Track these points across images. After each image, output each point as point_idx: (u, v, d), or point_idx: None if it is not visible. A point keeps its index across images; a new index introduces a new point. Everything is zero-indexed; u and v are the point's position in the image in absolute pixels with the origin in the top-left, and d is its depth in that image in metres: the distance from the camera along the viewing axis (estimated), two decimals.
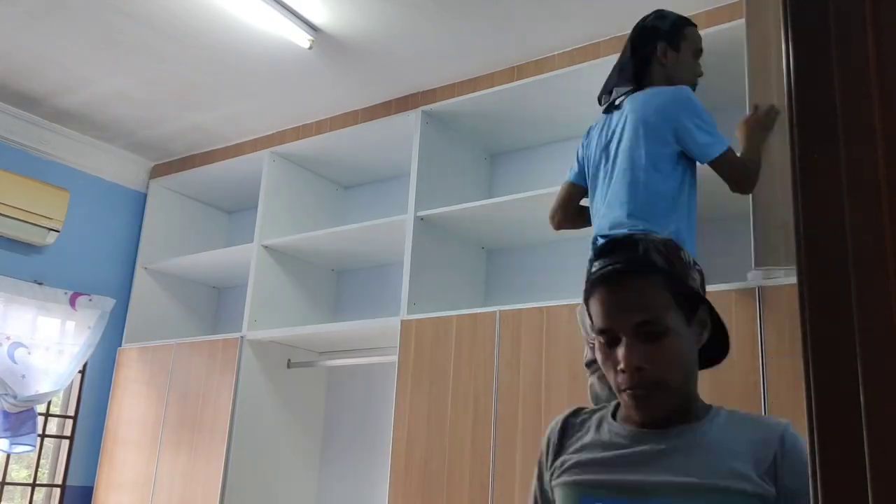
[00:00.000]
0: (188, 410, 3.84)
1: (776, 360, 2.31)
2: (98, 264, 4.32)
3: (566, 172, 2.48)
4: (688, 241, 2.04)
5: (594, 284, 1.20)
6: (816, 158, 0.58)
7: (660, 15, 2.31)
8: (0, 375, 3.76)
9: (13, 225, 3.84)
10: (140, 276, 4.42)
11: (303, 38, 3.17)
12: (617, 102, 2.26)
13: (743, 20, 2.45)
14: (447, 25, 3.08)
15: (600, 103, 2.37)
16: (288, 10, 3.03)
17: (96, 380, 4.24)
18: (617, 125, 2.21)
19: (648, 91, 2.21)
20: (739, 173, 2.12)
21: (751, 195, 2.26)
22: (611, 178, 2.15)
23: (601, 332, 1.18)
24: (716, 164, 2.10)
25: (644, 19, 2.32)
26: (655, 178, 2.06)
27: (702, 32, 2.75)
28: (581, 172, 2.36)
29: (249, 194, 4.38)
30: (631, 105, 2.19)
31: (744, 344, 2.35)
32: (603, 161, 2.22)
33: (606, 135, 2.25)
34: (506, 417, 2.85)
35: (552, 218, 2.41)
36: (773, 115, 2.17)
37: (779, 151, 2.20)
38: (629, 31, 2.40)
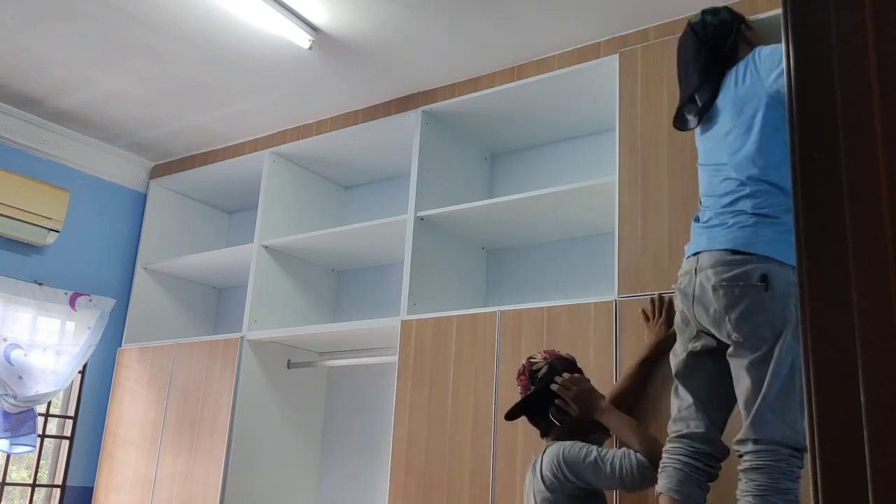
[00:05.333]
0: (188, 411, 3.84)
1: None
2: (98, 264, 4.32)
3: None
4: None
5: None
6: (816, 158, 0.58)
7: (715, 11, 2.29)
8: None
9: (13, 225, 3.84)
10: (140, 276, 4.42)
11: (303, 38, 3.17)
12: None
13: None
14: (447, 25, 3.08)
15: (684, 122, 2.32)
16: (288, 10, 3.03)
17: (96, 380, 4.24)
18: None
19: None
20: None
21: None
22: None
23: None
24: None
25: (704, 26, 2.28)
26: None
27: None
28: None
29: (249, 194, 4.38)
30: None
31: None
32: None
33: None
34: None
35: None
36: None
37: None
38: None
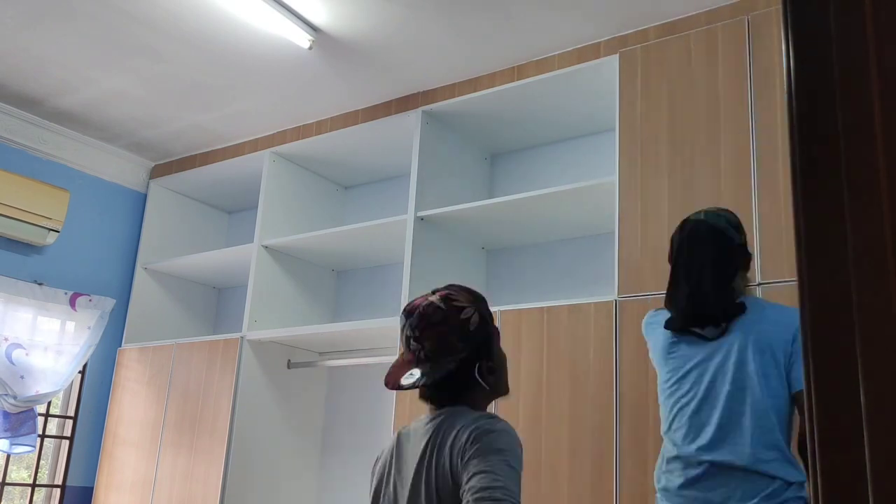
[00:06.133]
0: (188, 411, 3.84)
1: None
2: (98, 264, 4.32)
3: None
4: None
5: None
6: (816, 158, 0.58)
7: (736, 224, 2.11)
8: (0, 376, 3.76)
9: (13, 225, 3.84)
10: (140, 276, 4.42)
11: (303, 38, 3.17)
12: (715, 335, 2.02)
13: None
14: (447, 26, 3.08)
15: (676, 326, 2.07)
16: (288, 10, 3.03)
17: (96, 380, 4.24)
18: (718, 350, 2.00)
19: (763, 311, 2.03)
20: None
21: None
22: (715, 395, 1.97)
23: None
24: (798, 396, 1.94)
25: (728, 232, 2.08)
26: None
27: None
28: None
29: (249, 194, 4.38)
30: (746, 328, 1.99)
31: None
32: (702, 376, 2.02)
33: (699, 358, 2.02)
34: (506, 417, 2.84)
35: None
36: None
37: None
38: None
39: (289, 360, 3.93)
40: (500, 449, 1.46)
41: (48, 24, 3.23)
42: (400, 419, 3.11)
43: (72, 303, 4.07)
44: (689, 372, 2.01)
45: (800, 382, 1.87)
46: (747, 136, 2.62)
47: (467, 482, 1.41)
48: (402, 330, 1.64)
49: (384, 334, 3.45)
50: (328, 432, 3.99)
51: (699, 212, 2.15)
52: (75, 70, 3.60)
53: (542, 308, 2.90)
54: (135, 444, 4.00)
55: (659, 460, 2.06)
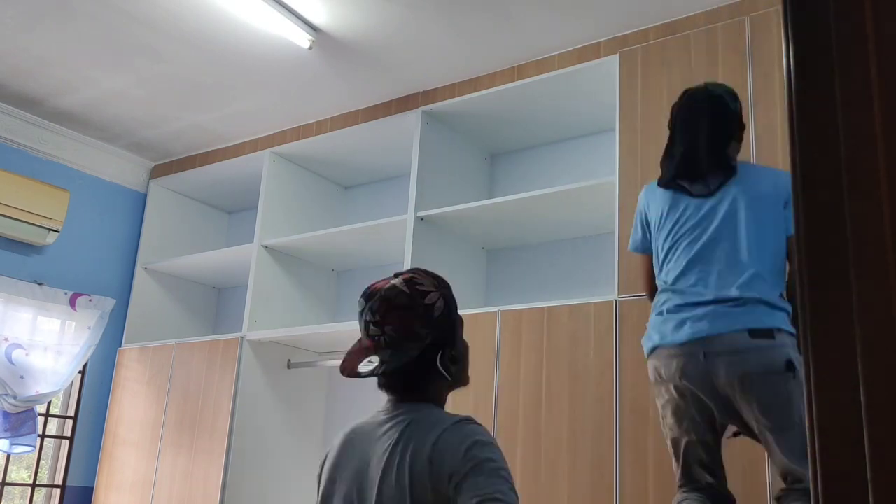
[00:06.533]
0: (188, 411, 3.84)
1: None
2: (98, 264, 4.32)
3: (631, 238, 2.30)
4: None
5: None
6: (816, 158, 0.58)
7: (733, 95, 2.20)
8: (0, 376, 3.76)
9: (13, 225, 3.84)
10: (140, 276, 4.42)
11: (303, 38, 3.17)
12: (712, 189, 2.10)
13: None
14: (447, 25, 3.08)
15: (673, 183, 2.15)
16: (288, 10, 3.03)
17: (96, 380, 4.24)
18: (720, 204, 2.08)
19: (756, 173, 2.13)
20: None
21: None
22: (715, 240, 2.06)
23: None
24: (790, 240, 2.04)
25: (725, 98, 2.18)
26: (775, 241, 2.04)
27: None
28: (644, 237, 2.23)
29: (249, 194, 4.38)
30: (740, 187, 2.08)
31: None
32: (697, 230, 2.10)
33: (697, 212, 2.11)
34: (506, 417, 2.85)
35: (648, 294, 2.26)
36: None
37: None
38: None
39: (289, 360, 3.93)
40: (495, 466, 1.39)
41: (48, 24, 3.23)
42: None
43: (72, 303, 4.07)
44: (687, 229, 2.10)
45: (790, 229, 1.97)
46: (747, 136, 2.62)
47: None
48: (361, 314, 1.51)
49: None
50: (328, 432, 3.99)
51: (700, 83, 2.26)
52: (75, 70, 3.60)
53: (542, 308, 2.90)
54: (135, 444, 4.00)
55: (651, 315, 2.12)
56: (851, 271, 0.54)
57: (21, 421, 3.78)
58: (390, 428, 1.49)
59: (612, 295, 2.76)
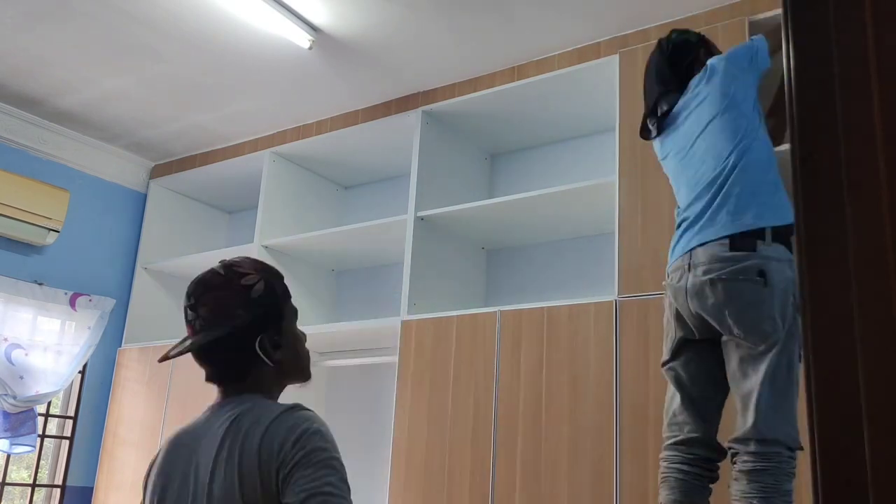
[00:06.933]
0: (188, 411, 3.83)
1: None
2: (98, 264, 4.32)
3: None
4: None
5: None
6: (816, 158, 0.58)
7: (682, 31, 2.37)
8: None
9: (13, 225, 3.84)
10: (140, 276, 4.42)
11: (303, 38, 3.17)
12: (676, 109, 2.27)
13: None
14: (447, 26, 3.08)
15: (648, 132, 2.37)
16: (288, 10, 3.03)
17: (96, 380, 4.24)
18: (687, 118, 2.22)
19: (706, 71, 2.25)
20: None
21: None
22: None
23: None
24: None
25: (668, 41, 2.35)
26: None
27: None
28: None
29: (249, 194, 4.38)
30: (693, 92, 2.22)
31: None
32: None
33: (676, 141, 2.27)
34: (506, 417, 2.85)
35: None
36: None
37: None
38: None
39: None
40: (325, 457, 1.35)
41: (48, 24, 3.23)
42: (400, 418, 3.12)
43: (72, 303, 4.07)
44: (679, 158, 2.23)
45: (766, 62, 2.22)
46: None
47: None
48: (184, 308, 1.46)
49: (384, 334, 3.45)
50: None
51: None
52: (75, 70, 3.60)
53: (542, 308, 2.90)
54: (135, 444, 4.00)
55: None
56: (851, 271, 0.54)
57: (21, 421, 3.78)
58: (217, 426, 1.44)
59: (612, 295, 2.76)
